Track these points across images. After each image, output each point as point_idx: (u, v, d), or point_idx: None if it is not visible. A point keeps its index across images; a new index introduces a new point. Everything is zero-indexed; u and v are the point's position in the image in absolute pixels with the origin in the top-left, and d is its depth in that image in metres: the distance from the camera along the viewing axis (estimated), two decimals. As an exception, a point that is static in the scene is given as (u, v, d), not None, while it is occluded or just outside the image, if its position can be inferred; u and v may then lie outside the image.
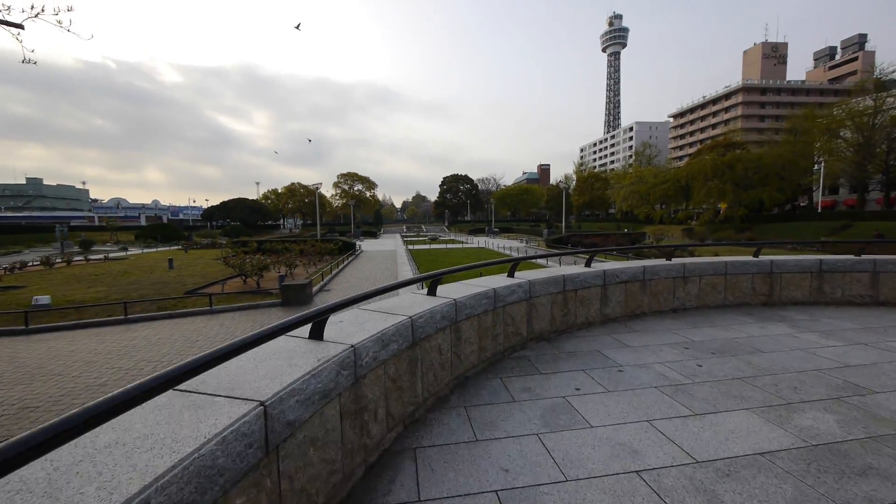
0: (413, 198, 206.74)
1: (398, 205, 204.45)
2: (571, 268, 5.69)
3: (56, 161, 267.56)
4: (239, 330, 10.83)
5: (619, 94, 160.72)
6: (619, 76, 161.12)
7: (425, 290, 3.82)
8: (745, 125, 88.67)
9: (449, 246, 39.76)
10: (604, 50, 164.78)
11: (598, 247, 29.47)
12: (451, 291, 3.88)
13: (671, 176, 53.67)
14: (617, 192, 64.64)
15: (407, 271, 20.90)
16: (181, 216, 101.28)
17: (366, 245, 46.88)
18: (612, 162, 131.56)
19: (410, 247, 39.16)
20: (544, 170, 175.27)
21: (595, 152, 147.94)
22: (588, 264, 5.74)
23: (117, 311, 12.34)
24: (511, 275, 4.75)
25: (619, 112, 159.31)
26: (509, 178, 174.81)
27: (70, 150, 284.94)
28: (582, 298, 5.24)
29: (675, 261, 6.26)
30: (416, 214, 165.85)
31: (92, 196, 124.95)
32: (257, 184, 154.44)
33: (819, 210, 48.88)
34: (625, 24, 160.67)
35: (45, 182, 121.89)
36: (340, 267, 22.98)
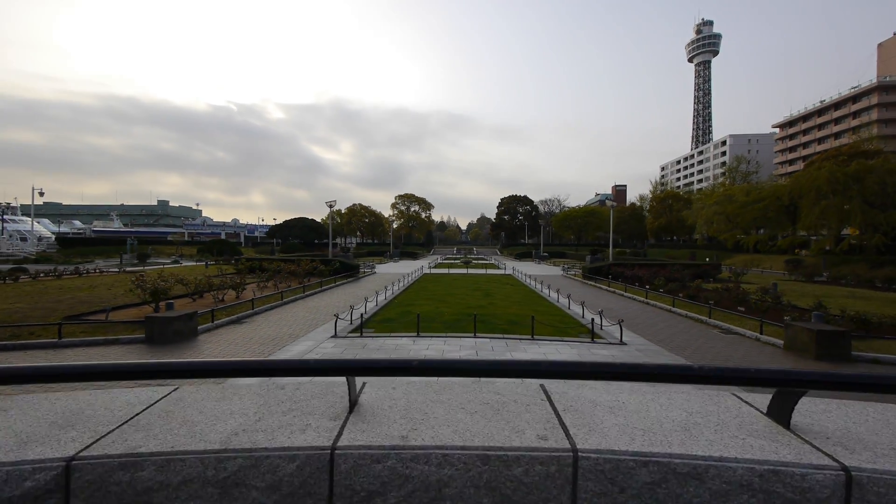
0: (478, 220, 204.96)
1: (464, 226, 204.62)
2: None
3: (187, 187, 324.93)
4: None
5: (709, 107, 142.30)
6: (709, 87, 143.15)
7: None
8: (885, 131, 70.13)
9: (470, 271, 34.91)
10: (690, 60, 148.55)
11: (644, 280, 22.11)
12: None
13: (768, 193, 42.27)
14: (698, 212, 53.62)
15: (364, 303, 16.84)
16: (256, 233, 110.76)
17: (394, 266, 44.13)
18: (700, 181, 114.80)
19: (428, 270, 35.24)
20: (620, 191, 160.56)
21: (679, 170, 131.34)
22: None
23: (-50, 339, 10.22)
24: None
25: (709, 126, 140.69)
26: (581, 199, 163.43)
27: (198, 178, 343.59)
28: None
29: None
30: (479, 236, 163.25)
31: (205, 215, 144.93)
32: (330, 206, 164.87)
33: None
34: (715, 29, 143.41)
35: (171, 204, 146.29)
36: (307, 292, 19.78)
